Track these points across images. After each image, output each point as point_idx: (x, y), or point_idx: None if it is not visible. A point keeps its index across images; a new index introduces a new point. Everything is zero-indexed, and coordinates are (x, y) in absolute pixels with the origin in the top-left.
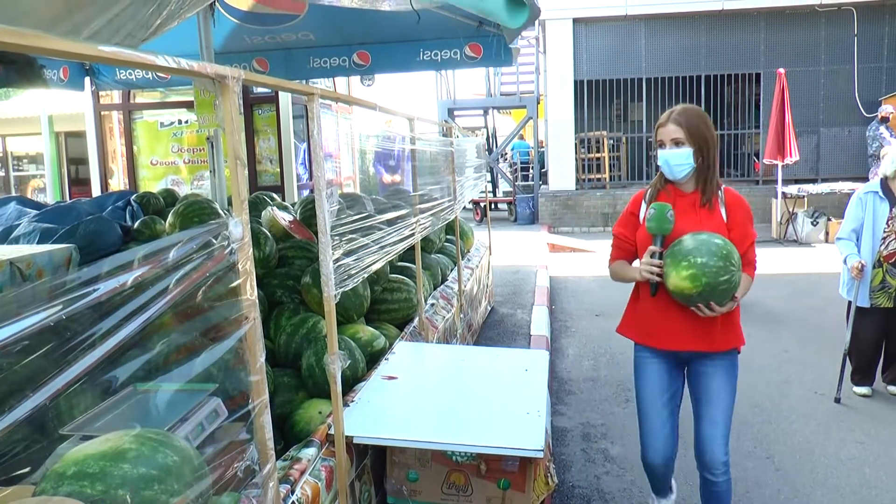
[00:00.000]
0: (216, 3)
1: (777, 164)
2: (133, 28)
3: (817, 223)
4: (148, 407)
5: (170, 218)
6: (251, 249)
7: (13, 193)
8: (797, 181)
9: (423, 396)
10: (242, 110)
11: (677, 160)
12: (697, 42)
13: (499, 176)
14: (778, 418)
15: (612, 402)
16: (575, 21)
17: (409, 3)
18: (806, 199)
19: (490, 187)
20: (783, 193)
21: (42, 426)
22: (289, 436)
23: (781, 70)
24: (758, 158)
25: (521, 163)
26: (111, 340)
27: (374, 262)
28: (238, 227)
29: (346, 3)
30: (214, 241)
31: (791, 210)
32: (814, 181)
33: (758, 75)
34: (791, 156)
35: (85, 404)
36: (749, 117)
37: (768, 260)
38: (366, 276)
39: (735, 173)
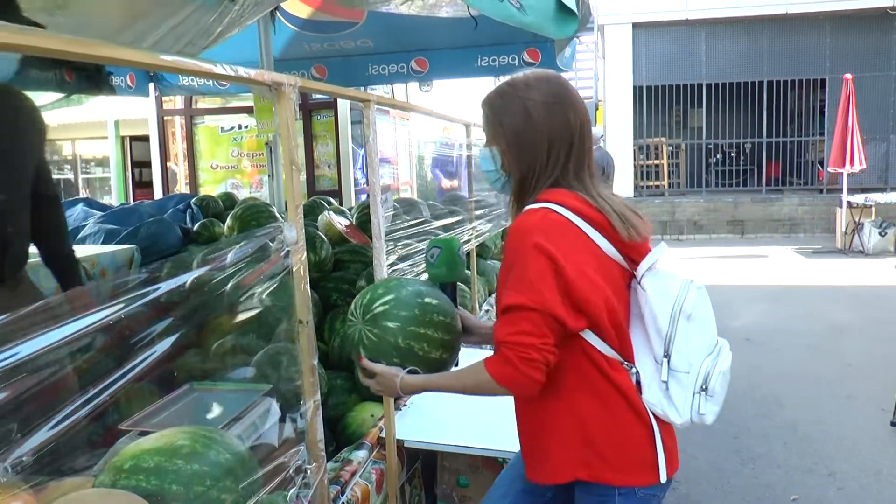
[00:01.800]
0: (276, 12)
1: (842, 173)
2: (195, 36)
3: (886, 234)
4: (203, 405)
5: (228, 221)
6: (305, 253)
7: (81, 195)
8: (864, 190)
9: (475, 402)
10: (301, 116)
11: (483, 165)
12: (760, 47)
13: None
14: (841, 434)
15: None
16: (634, 26)
17: (467, 10)
18: (873, 208)
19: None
20: (849, 203)
21: (102, 420)
22: (341, 438)
23: (848, 75)
24: (822, 167)
25: None
26: (169, 339)
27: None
28: (292, 231)
29: (405, 10)
30: (270, 244)
31: (857, 220)
32: (882, 190)
33: (823, 81)
34: (857, 164)
35: (143, 400)
36: (813, 124)
37: (831, 271)
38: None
39: (798, 182)
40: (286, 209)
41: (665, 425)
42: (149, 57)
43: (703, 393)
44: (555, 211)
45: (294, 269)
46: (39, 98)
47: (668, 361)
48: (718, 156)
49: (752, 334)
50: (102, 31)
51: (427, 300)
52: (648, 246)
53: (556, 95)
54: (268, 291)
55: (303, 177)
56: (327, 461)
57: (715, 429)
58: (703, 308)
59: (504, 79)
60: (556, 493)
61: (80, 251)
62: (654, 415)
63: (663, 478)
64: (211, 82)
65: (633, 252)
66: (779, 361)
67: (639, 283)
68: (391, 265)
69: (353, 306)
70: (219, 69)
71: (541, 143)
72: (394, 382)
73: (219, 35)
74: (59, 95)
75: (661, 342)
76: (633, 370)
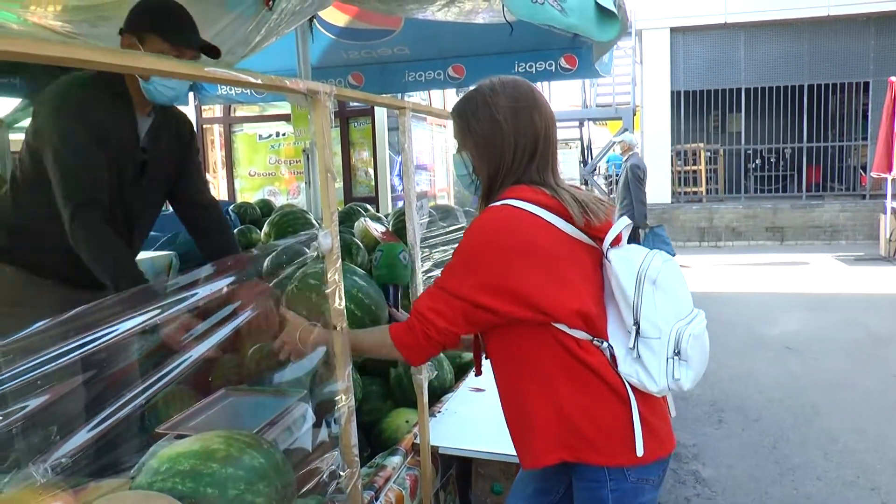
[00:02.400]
0: (314, 20)
1: (886, 178)
2: (233, 45)
3: None
4: (239, 409)
5: (265, 228)
6: (340, 261)
7: None
8: None
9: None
10: (338, 123)
11: (457, 170)
12: (800, 50)
13: (594, 188)
14: (884, 447)
15: (704, 422)
16: (672, 30)
17: (503, 16)
18: None
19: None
20: (893, 209)
21: (140, 423)
22: (376, 443)
23: (893, 78)
24: (864, 172)
25: (617, 175)
26: (206, 343)
27: None
28: (328, 238)
29: (441, 17)
30: (306, 250)
31: None
32: None
33: (866, 84)
34: None
35: (179, 404)
36: (856, 128)
37: (874, 279)
38: None
39: (840, 187)
40: (322, 216)
41: (650, 403)
42: (189, 68)
43: (676, 358)
44: (512, 206)
45: (329, 276)
46: None
47: (638, 329)
48: (757, 161)
49: (792, 343)
50: None
51: (358, 281)
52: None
53: (522, 100)
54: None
55: (340, 184)
56: (361, 466)
57: (752, 438)
58: (672, 277)
59: (474, 87)
60: (566, 490)
61: None
62: (633, 390)
63: (639, 451)
64: (248, 91)
65: (601, 233)
66: (819, 370)
67: (606, 259)
68: (426, 271)
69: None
70: (255, 79)
71: (507, 146)
72: (296, 329)
73: (257, 44)
74: None
75: (629, 311)
76: (605, 345)
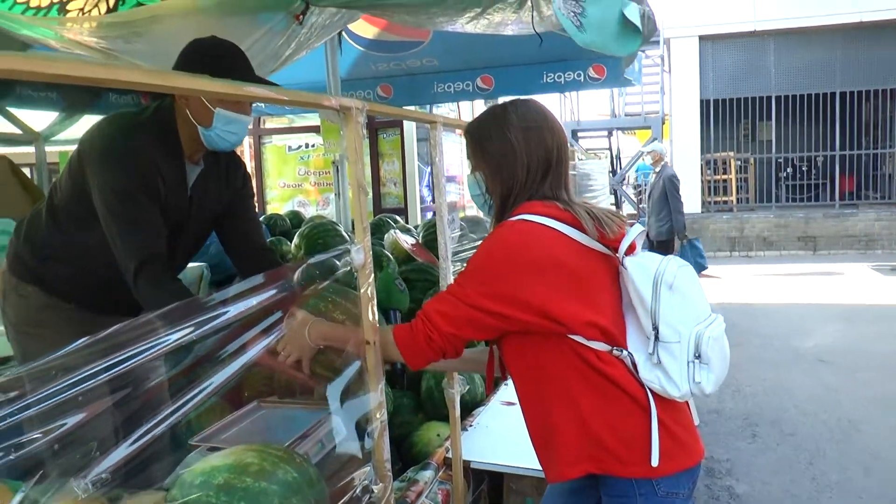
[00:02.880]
0: (343, 33)
1: None
2: (264, 59)
3: None
4: (270, 422)
5: (295, 239)
6: (373, 275)
7: None
8: None
9: None
10: (367, 135)
11: (471, 190)
12: (832, 57)
13: (623, 198)
14: None
15: (737, 436)
16: (701, 38)
17: (532, 28)
18: None
19: (614, 209)
20: None
21: (174, 435)
22: (407, 457)
23: None
24: None
25: (646, 185)
26: (241, 359)
27: None
28: (360, 253)
29: (470, 28)
30: (337, 264)
31: None
32: None
33: None
34: None
35: (212, 416)
36: (890, 136)
37: None
38: None
39: (874, 196)
40: (352, 228)
41: (672, 411)
42: (226, 87)
43: (696, 361)
44: (528, 220)
45: (361, 291)
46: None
47: (657, 334)
48: (789, 170)
49: (827, 355)
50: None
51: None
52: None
53: (533, 120)
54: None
55: (369, 195)
56: (393, 480)
57: (787, 453)
58: (688, 281)
59: (490, 108)
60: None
61: None
62: (655, 398)
63: (654, 461)
64: None
65: (616, 242)
66: (855, 384)
67: (622, 266)
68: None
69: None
70: (289, 95)
71: (519, 165)
72: (304, 325)
73: (287, 58)
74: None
75: (648, 316)
76: (625, 354)
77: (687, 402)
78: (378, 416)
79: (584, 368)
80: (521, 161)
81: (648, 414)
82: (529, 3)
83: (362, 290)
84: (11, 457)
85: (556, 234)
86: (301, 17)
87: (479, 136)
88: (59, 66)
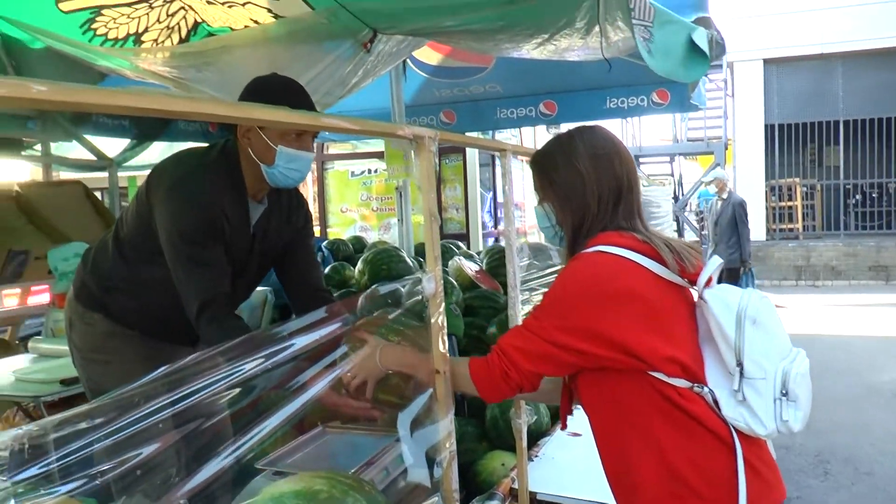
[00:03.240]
0: (407, 60)
1: None
2: (331, 87)
3: None
4: (336, 448)
5: (359, 265)
6: (444, 304)
7: None
8: None
9: None
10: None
11: (539, 222)
12: None
13: (684, 225)
14: None
15: (808, 473)
16: (766, 62)
17: (601, 53)
18: None
19: (676, 237)
20: None
21: (238, 458)
22: (471, 485)
23: None
24: None
25: (707, 211)
26: (307, 393)
27: None
28: (431, 282)
29: (536, 55)
30: (402, 291)
31: None
32: None
33: None
34: None
35: (276, 440)
36: None
37: None
38: None
39: None
40: (416, 254)
41: (756, 449)
42: (304, 118)
43: (784, 398)
44: (605, 252)
45: (432, 321)
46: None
47: (742, 370)
48: (858, 196)
49: None
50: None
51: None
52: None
53: (601, 147)
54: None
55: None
56: None
57: (863, 492)
58: (769, 315)
59: (558, 135)
60: None
61: None
62: (739, 435)
63: (743, 501)
64: None
65: (693, 275)
66: None
67: (702, 299)
68: (525, 314)
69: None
70: (364, 126)
71: (590, 195)
72: (375, 349)
73: (354, 85)
74: (205, 146)
75: (731, 352)
76: (706, 390)
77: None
78: (447, 445)
79: (664, 406)
80: (591, 190)
81: (733, 452)
82: (597, 29)
83: (433, 320)
84: (97, 482)
85: (634, 266)
86: (369, 44)
87: (546, 166)
88: (150, 100)
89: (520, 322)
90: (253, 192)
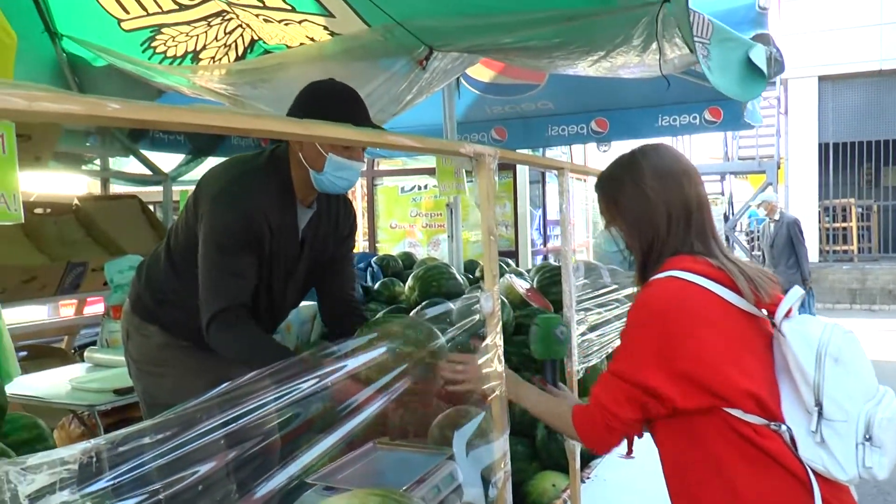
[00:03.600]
0: (460, 77)
1: None
2: (385, 104)
3: None
4: (386, 464)
5: (409, 281)
6: (501, 324)
7: None
8: None
9: (661, 479)
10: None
11: (606, 246)
12: None
13: (734, 244)
14: None
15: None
16: (821, 79)
17: (658, 69)
18: None
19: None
20: None
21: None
22: None
23: None
24: None
25: (758, 232)
26: (370, 408)
27: (616, 338)
28: (489, 301)
29: (592, 72)
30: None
31: None
32: None
33: None
34: None
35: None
36: None
37: None
38: (610, 350)
39: None
40: (466, 271)
41: (836, 490)
42: (367, 135)
43: (867, 443)
44: (678, 278)
45: (489, 340)
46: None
47: (820, 410)
48: None
49: None
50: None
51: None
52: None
53: (667, 166)
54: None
55: (478, 237)
56: None
57: None
58: (854, 352)
59: (620, 157)
60: None
61: None
62: (817, 476)
63: None
64: None
65: (771, 306)
66: None
67: (779, 332)
68: (580, 334)
69: None
70: (425, 143)
71: (659, 217)
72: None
73: (408, 102)
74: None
75: (809, 390)
76: (783, 428)
77: None
78: (503, 465)
79: (740, 443)
80: (660, 211)
81: (811, 493)
82: (655, 46)
83: (490, 339)
84: (160, 496)
85: (708, 295)
86: (424, 62)
87: (610, 188)
88: (217, 118)
89: (576, 342)
90: (302, 197)
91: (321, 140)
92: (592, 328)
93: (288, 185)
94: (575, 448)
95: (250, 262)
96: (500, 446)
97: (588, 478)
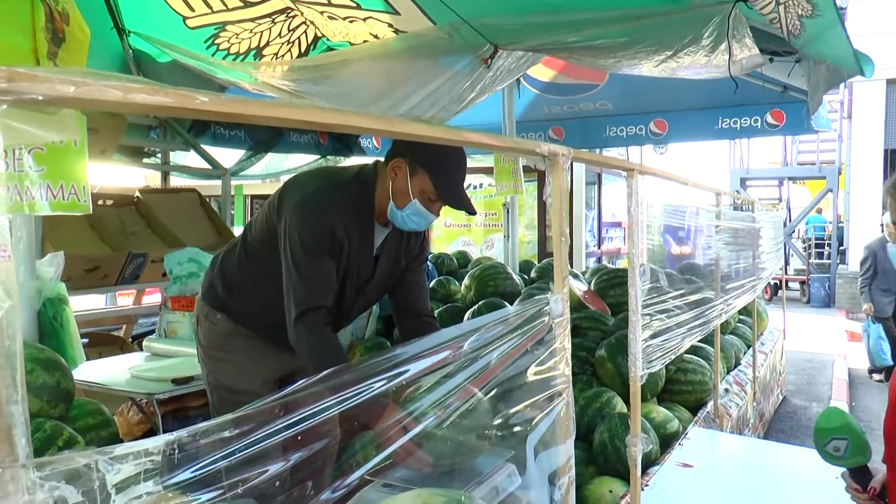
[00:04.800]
0: (520, 76)
1: None
2: (448, 102)
3: None
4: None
5: (465, 280)
6: (569, 327)
7: None
8: None
9: (722, 492)
10: (535, 178)
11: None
12: None
13: (791, 252)
14: None
15: None
16: (889, 82)
17: (727, 70)
18: None
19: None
20: None
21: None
22: None
23: None
24: None
25: (817, 239)
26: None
27: (678, 345)
28: (559, 303)
29: (658, 72)
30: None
31: None
32: None
33: None
34: None
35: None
36: None
37: None
38: (672, 357)
39: None
40: (521, 270)
41: None
42: (441, 131)
43: None
44: None
45: (557, 343)
46: (296, 159)
47: None
48: None
49: None
50: (363, 97)
51: None
52: None
53: None
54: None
55: (534, 238)
56: None
57: None
58: None
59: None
60: None
61: None
62: None
63: None
64: None
65: None
66: None
67: None
68: (645, 340)
69: None
70: (502, 142)
71: None
72: None
73: (470, 101)
74: (316, 157)
75: None
76: None
77: None
78: (568, 470)
79: None
80: None
81: None
82: (724, 46)
83: (558, 342)
84: (238, 490)
85: None
86: (489, 60)
87: None
88: (303, 112)
89: (640, 347)
90: (379, 216)
91: (400, 136)
92: (657, 334)
93: (370, 204)
94: (637, 455)
95: (332, 267)
96: (566, 450)
97: (647, 485)
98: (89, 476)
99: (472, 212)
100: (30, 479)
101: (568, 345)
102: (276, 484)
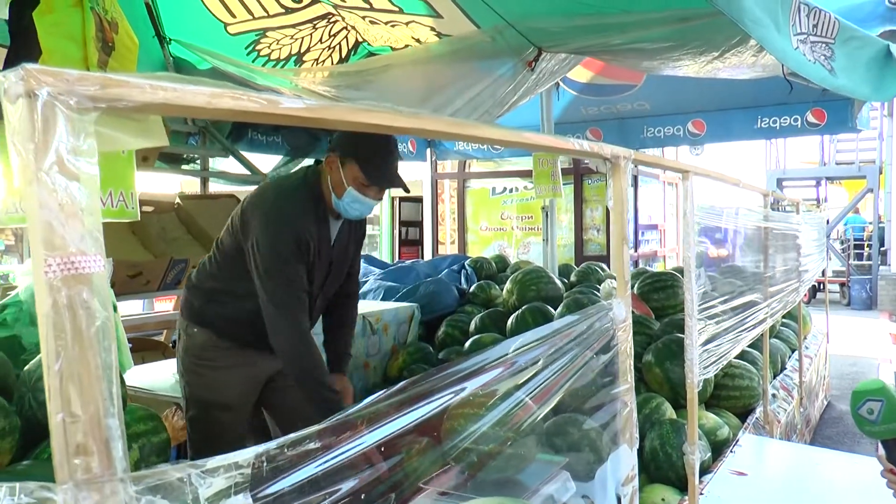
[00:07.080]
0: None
1: None
2: (491, 106)
3: None
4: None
5: (507, 285)
6: (632, 332)
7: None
8: None
9: (779, 502)
10: (572, 180)
11: None
12: None
13: (829, 253)
14: None
15: None
16: None
17: (781, 72)
18: None
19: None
20: None
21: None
22: None
23: None
24: None
25: (856, 240)
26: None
27: (731, 350)
28: (622, 308)
29: (704, 73)
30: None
31: None
32: None
33: None
34: None
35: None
36: None
37: None
38: (726, 362)
39: None
40: (561, 275)
41: None
42: (497, 131)
43: None
44: None
45: (620, 348)
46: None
47: None
48: None
49: None
50: (405, 102)
51: None
52: None
53: None
54: (591, 372)
55: (571, 241)
56: None
57: None
58: None
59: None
60: None
61: (365, 307)
62: None
63: None
64: (486, 147)
65: None
66: None
67: None
68: (702, 344)
69: None
70: (565, 144)
71: None
72: None
73: (512, 104)
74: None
75: None
76: None
77: None
78: (630, 480)
79: None
80: None
81: None
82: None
83: (621, 347)
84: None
85: None
86: (533, 63)
87: None
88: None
89: (697, 353)
90: (330, 210)
91: (466, 139)
92: (711, 339)
93: (320, 200)
94: (695, 463)
95: (302, 270)
96: (629, 459)
97: (701, 493)
98: (182, 490)
99: (406, 189)
100: (128, 494)
101: (631, 350)
102: (362, 497)
